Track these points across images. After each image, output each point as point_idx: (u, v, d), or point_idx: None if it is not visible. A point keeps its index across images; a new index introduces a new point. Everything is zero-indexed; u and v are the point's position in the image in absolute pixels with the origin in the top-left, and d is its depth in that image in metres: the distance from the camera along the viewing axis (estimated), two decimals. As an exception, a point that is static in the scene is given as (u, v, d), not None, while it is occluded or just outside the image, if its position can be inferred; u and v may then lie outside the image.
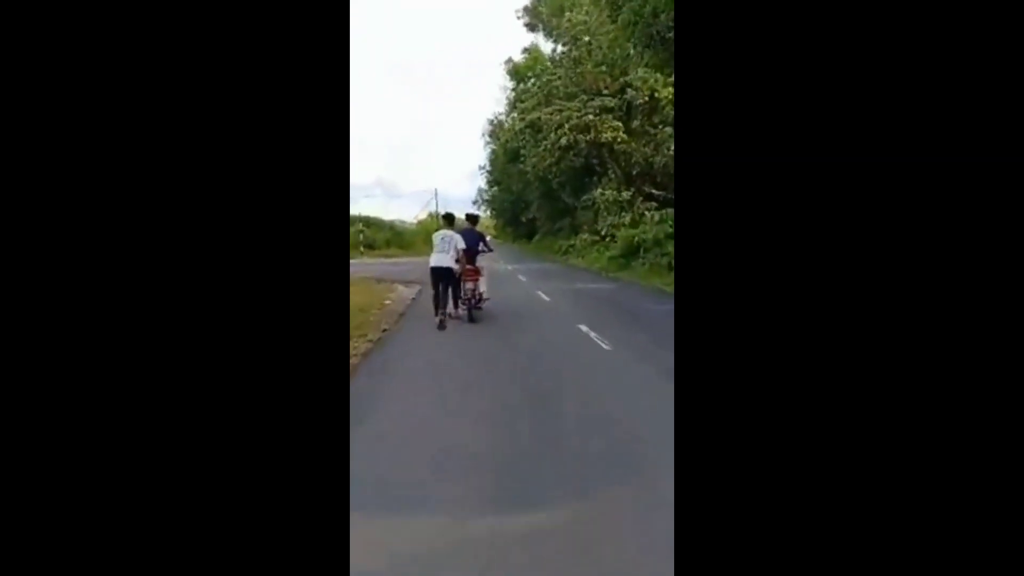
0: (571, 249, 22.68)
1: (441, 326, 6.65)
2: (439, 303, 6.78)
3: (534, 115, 20.35)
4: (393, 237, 30.12)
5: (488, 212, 52.15)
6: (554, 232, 29.21)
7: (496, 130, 36.52)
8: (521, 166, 25.77)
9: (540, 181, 27.70)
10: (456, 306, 7.17)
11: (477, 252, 7.32)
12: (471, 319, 7.17)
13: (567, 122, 18.35)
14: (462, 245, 6.89)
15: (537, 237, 33.54)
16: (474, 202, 49.18)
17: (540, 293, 10.44)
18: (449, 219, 7.56)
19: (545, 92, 20.55)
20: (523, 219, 38.07)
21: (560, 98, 19.40)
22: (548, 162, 20.90)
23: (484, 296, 7.60)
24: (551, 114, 19.17)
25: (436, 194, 46.65)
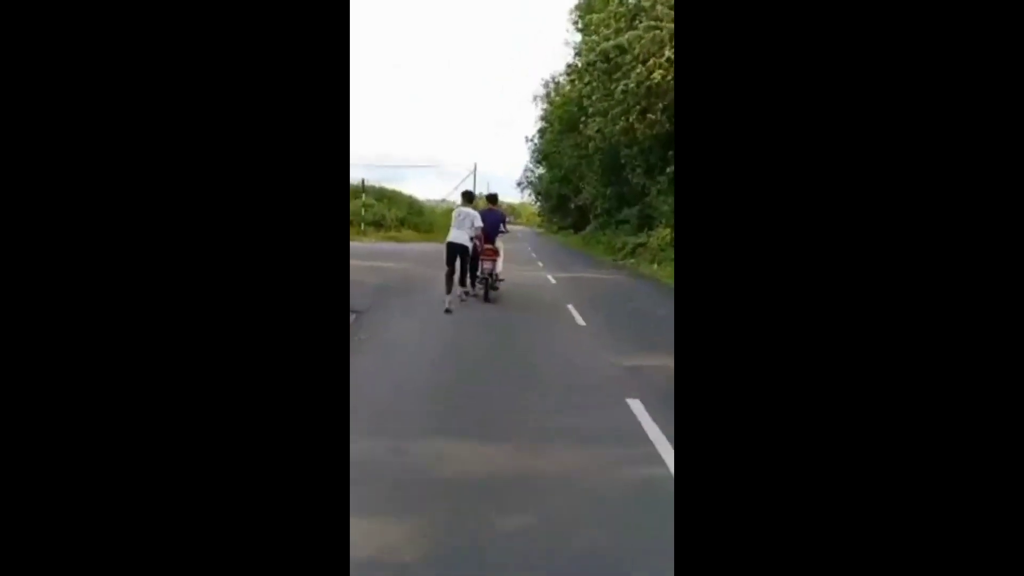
0: (640, 249, 15.33)
1: (447, 311, 6.00)
2: (451, 281, 6.30)
3: (611, 43, 12.86)
4: (409, 216, 23.21)
5: (533, 197, 45.16)
6: (615, 224, 21.80)
7: (551, 92, 29.05)
8: (582, 127, 18.21)
9: (601, 154, 20.34)
10: (473, 285, 7.01)
11: (497, 233, 7.00)
12: (487, 299, 6.78)
13: (670, 42, 10.85)
14: (479, 223, 6.43)
15: (589, 228, 26.14)
16: (518, 184, 42.77)
17: (646, 423, 3.35)
18: (468, 196, 6.87)
19: (631, 8, 12.95)
20: (572, 205, 30.76)
21: (656, 17, 11.88)
22: (620, 122, 13.52)
23: (500, 277, 7.27)
24: (641, 35, 11.64)
25: (475, 170, 39.51)
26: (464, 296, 6.68)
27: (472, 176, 39.41)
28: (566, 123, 24.99)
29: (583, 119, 17.64)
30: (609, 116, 15.47)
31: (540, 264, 13.36)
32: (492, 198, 7.84)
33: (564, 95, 26.20)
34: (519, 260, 13.84)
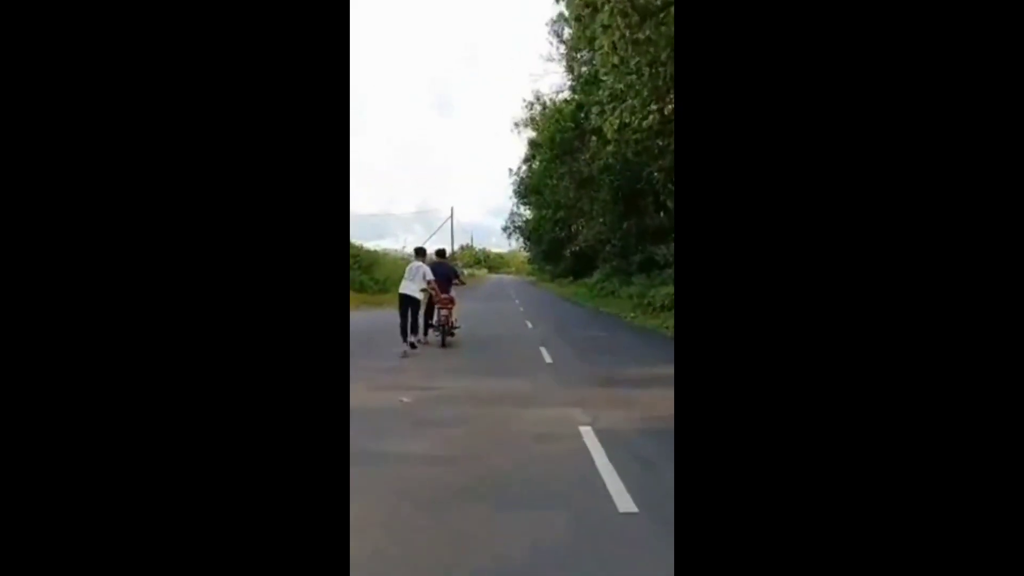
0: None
1: (404, 354, 6.50)
2: (405, 330, 6.81)
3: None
4: (354, 275, 16.60)
5: (521, 243, 39.37)
6: (637, 268, 15.42)
7: (534, 115, 23.45)
8: (597, 119, 12.24)
9: (613, 175, 14.32)
10: (425, 332, 7.35)
11: (450, 284, 7.61)
12: (443, 344, 7.09)
13: None
14: (430, 276, 6.99)
15: (598, 276, 19.73)
16: (504, 229, 37.24)
17: None
18: (420, 252, 7.77)
19: None
20: (568, 252, 24.58)
21: None
22: (652, 115, 7.60)
23: (456, 325, 7.79)
24: None
25: (452, 215, 33.64)
26: (417, 343, 6.89)
27: (450, 222, 33.56)
28: (559, 145, 19.16)
29: (598, 111, 11.66)
30: (638, 99, 9.44)
31: (546, 355, 6.58)
32: (440, 252, 8.57)
33: (556, 107, 20.60)
34: (509, 348, 7.24)
